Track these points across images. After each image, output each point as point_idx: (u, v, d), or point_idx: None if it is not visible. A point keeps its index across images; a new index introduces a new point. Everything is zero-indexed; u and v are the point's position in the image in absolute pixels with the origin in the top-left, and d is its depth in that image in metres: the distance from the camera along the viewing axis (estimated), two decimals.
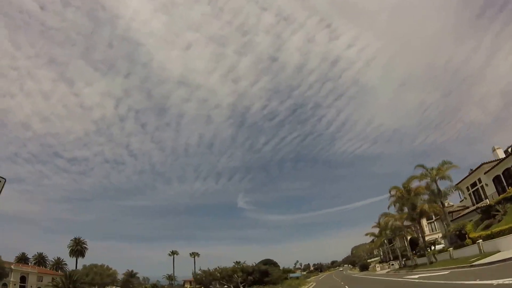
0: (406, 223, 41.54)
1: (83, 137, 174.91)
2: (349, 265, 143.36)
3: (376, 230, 54.37)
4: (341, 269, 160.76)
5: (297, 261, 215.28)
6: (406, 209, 36.37)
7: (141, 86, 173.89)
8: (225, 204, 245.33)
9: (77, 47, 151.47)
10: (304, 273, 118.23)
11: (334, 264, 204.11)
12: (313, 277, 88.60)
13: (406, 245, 45.85)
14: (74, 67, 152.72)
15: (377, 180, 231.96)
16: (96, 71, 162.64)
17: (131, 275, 76.69)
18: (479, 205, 30.63)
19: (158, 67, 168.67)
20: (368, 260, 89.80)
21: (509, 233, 18.85)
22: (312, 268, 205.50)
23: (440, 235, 42.77)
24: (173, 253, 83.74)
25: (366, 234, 58.73)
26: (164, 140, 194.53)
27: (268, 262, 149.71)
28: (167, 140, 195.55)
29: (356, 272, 72.02)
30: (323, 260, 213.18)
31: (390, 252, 62.08)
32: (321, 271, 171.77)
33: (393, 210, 40.63)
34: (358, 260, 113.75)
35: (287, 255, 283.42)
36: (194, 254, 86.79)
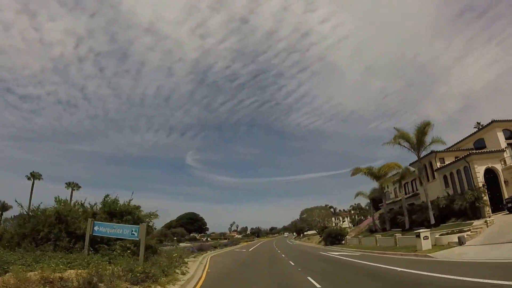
0: None
1: (38, 74, 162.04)
2: (293, 233, 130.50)
3: None
4: (286, 235, 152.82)
5: (234, 222, 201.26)
6: None
7: (106, 28, 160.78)
8: (174, 159, 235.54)
9: None
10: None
11: (273, 231, 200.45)
12: (242, 243, 65.30)
13: None
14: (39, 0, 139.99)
15: (326, 157, 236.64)
16: (61, 7, 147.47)
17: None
18: None
19: (128, 10, 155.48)
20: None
21: None
22: (248, 232, 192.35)
23: None
24: (33, 176, 55.12)
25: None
26: (122, 87, 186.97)
27: (193, 217, 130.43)
28: (125, 87, 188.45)
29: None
30: (264, 226, 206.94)
31: None
32: (258, 237, 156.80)
33: None
34: (308, 225, 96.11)
35: (229, 216, 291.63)
36: (72, 185, 58.64)
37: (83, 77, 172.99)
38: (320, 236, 53.83)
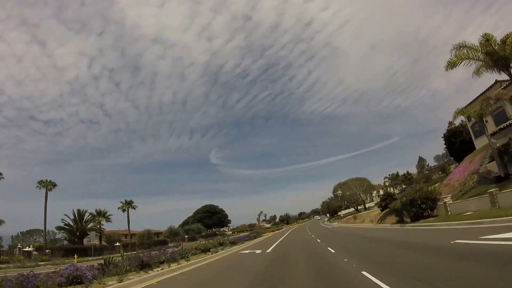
0: None
1: (57, 98, 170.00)
2: (326, 215, 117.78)
3: None
4: (318, 217, 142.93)
5: (261, 212, 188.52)
6: None
7: (115, 44, 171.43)
8: (199, 159, 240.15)
9: (49, 7, 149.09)
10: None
11: (302, 216, 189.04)
12: (267, 234, 50.98)
13: None
14: (46, 28, 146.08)
15: (344, 139, 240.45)
16: (69, 31, 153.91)
17: None
18: None
19: (132, 25, 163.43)
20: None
21: None
22: (277, 220, 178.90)
23: None
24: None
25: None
26: (139, 98, 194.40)
27: (211, 209, 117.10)
28: (142, 98, 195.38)
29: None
30: (292, 212, 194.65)
31: None
32: (287, 223, 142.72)
33: None
34: (345, 203, 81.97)
35: (257, 207, 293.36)
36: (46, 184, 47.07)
37: (101, 95, 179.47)
38: (382, 210, 37.74)
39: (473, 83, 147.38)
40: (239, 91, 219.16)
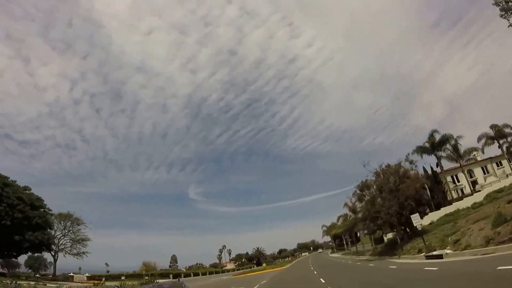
0: None
1: (35, 119, 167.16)
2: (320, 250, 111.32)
3: None
4: (320, 251, 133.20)
5: (224, 247, 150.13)
6: None
7: (98, 69, 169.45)
8: (176, 194, 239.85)
9: (36, 24, 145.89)
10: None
11: (282, 254, 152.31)
12: None
13: None
14: (31, 45, 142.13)
15: (325, 177, 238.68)
16: (53, 51, 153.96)
17: None
18: None
19: (118, 51, 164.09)
20: None
21: None
22: (244, 260, 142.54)
23: None
24: None
25: None
26: (118, 126, 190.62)
27: None
28: (121, 126, 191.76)
29: None
30: (270, 250, 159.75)
31: None
32: (257, 265, 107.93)
33: None
34: None
35: (238, 243, 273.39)
36: None
37: (80, 120, 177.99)
38: None
39: (452, 120, 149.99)
40: (220, 126, 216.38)
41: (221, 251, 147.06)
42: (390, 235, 38.39)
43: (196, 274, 74.43)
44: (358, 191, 32.78)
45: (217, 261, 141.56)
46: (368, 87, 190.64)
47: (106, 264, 73.71)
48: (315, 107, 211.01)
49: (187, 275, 72.25)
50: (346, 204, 46.78)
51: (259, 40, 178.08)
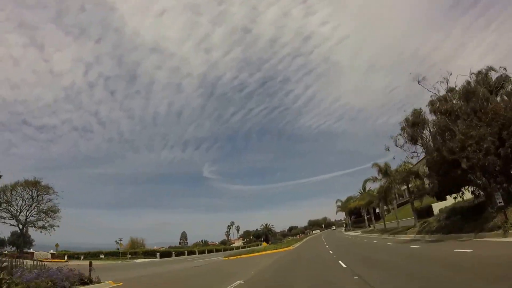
0: None
1: (52, 104, 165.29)
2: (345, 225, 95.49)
3: None
4: (333, 228, 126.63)
5: (232, 223, 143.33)
6: None
7: (113, 52, 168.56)
8: (191, 173, 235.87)
9: (49, 10, 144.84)
10: None
11: (292, 231, 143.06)
12: None
13: None
14: (45, 32, 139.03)
15: (338, 156, 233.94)
16: (67, 36, 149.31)
17: None
18: None
19: (131, 33, 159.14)
20: None
21: None
22: (251, 237, 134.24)
23: None
24: None
25: None
26: (133, 108, 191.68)
27: None
28: (136, 108, 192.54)
29: None
30: (280, 227, 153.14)
31: None
32: (266, 242, 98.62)
33: None
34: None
35: (250, 221, 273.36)
36: None
37: (95, 103, 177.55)
38: None
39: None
40: (235, 104, 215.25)
41: (229, 227, 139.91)
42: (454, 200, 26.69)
43: (192, 253, 65.13)
44: (407, 128, 20.48)
45: (226, 238, 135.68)
46: (384, 67, 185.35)
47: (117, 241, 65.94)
48: (330, 85, 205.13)
49: (179, 253, 63.11)
50: (376, 165, 34.57)
51: (274, 17, 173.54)
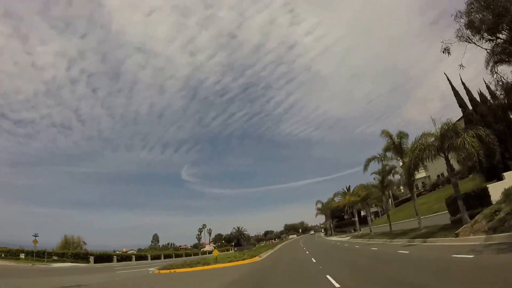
0: None
1: (32, 98, 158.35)
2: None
3: None
4: (312, 232, 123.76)
5: (204, 226, 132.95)
6: None
7: (97, 48, 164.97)
8: (170, 175, 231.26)
9: (35, 1, 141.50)
10: None
11: (267, 236, 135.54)
12: None
13: None
14: (29, 23, 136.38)
15: (316, 163, 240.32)
16: (52, 29, 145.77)
17: None
18: None
19: (118, 30, 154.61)
20: None
21: None
22: (222, 241, 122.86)
23: None
24: None
25: None
26: (115, 106, 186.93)
27: None
28: (118, 106, 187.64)
29: None
30: (259, 230, 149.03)
31: None
32: (237, 246, 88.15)
33: None
34: None
35: (226, 225, 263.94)
36: None
37: (76, 99, 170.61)
38: None
39: (444, 114, 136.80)
40: (216, 108, 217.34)
41: (200, 230, 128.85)
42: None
43: (142, 258, 53.48)
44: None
45: (197, 242, 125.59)
46: (365, 77, 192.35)
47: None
48: (311, 94, 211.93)
49: (140, 257, 52.23)
50: (384, 132, 24.29)
51: (260, 24, 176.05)
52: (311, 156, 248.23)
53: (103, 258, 44.46)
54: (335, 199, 63.81)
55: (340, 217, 67.65)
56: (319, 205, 71.35)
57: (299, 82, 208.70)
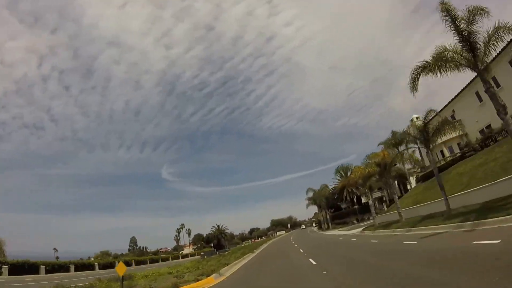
0: None
1: (1, 97, 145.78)
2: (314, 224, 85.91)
3: None
4: (303, 227, 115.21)
5: (182, 226, 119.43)
6: None
7: (69, 43, 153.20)
8: (149, 174, 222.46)
9: None
10: None
11: (252, 234, 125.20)
12: None
13: None
14: None
15: (299, 157, 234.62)
16: (21, 24, 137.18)
17: None
18: None
19: (90, 24, 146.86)
20: None
21: None
22: (202, 242, 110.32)
23: None
24: None
25: None
26: (89, 104, 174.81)
27: None
28: (92, 104, 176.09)
29: None
30: (244, 229, 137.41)
31: None
32: (217, 247, 75.48)
33: None
34: None
35: (209, 224, 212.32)
36: None
37: (49, 97, 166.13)
38: None
39: (428, 103, 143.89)
40: (195, 104, 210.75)
41: (178, 231, 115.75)
42: None
43: (86, 267, 40.58)
44: None
45: (176, 244, 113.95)
46: (346, 68, 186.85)
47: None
48: (292, 86, 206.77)
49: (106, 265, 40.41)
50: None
51: (238, 16, 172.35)
52: (294, 150, 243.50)
53: (23, 268, 31.72)
54: (334, 179, 53.17)
55: (337, 206, 56.93)
56: (311, 194, 60.23)
57: (279, 74, 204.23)
